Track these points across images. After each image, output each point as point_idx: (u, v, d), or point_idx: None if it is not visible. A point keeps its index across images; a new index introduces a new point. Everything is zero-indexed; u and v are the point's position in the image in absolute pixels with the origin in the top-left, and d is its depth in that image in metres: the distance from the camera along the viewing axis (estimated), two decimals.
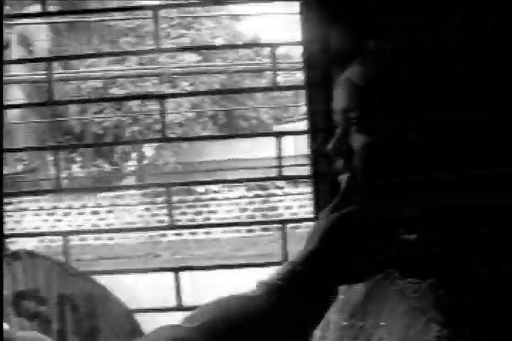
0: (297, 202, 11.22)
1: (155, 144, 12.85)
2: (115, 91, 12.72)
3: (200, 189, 11.41)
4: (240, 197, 11.43)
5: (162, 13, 1.42)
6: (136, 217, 11.49)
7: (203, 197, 11.56)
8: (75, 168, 13.56)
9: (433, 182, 0.80)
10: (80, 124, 13.62)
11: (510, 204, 0.80)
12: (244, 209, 11.46)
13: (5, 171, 1.14)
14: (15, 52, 12.44)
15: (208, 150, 12.63)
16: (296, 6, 1.23)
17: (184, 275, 1.37)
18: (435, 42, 0.84)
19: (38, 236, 9.44)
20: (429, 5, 1.05)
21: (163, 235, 10.89)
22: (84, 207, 11.69)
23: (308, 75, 1.20)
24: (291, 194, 11.28)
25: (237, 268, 1.44)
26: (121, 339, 1.10)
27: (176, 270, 1.36)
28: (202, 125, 13.47)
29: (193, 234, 10.84)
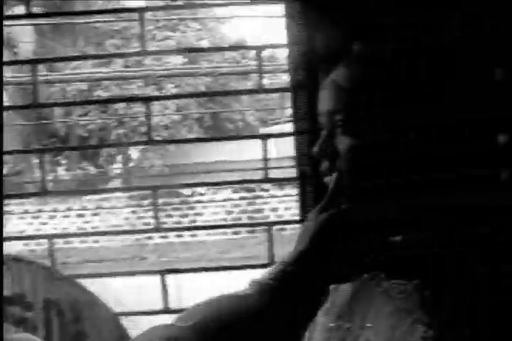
0: (283, 204, 11.22)
1: (141, 147, 12.80)
2: (100, 93, 12.66)
3: (187, 191, 11.39)
4: (225, 200, 11.41)
5: (148, 15, 1.42)
6: (122, 220, 11.44)
7: (189, 199, 11.54)
8: (60, 171, 13.48)
9: (417, 183, 0.80)
10: (65, 127, 13.55)
11: (510, 204, 0.80)
12: (230, 212, 11.45)
13: None
14: None
15: (194, 152, 12.60)
16: (281, 9, 1.23)
17: (170, 278, 1.37)
18: (435, 42, 0.84)
19: (23, 240, 9.36)
20: (429, 5, 1.05)
21: (149, 238, 10.85)
22: (69, 209, 11.63)
23: (293, 77, 1.20)
24: (277, 196, 11.28)
25: (223, 270, 1.44)
26: None
27: (162, 273, 1.36)
28: (188, 127, 13.45)
29: (179, 236, 10.81)
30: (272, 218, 10.65)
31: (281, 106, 11.91)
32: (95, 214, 11.59)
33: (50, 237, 1.38)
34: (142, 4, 1.60)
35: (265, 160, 1.36)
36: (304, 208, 1.19)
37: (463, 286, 0.73)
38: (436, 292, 0.74)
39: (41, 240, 1.48)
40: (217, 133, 13.20)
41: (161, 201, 9.70)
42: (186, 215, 11.41)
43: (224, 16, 12.18)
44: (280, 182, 1.40)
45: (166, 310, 1.33)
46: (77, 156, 13.36)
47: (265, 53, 1.39)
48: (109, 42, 13.51)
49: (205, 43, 13.61)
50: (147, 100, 1.40)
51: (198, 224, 10.74)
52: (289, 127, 1.30)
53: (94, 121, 13.15)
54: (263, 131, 12.70)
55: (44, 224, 11.52)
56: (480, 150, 0.80)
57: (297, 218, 1.26)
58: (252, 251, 9.28)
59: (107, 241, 10.75)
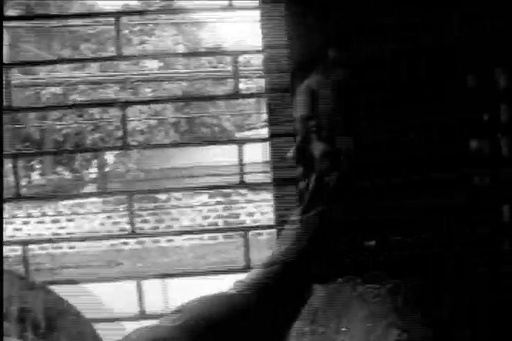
0: (259, 209, 11.22)
1: (116, 151, 12.73)
2: (76, 97, 12.57)
3: (163, 196, 11.33)
4: (201, 205, 11.38)
5: (124, 19, 1.42)
6: (98, 225, 11.35)
7: (165, 204, 11.48)
8: (35, 176, 13.34)
9: (417, 183, 0.80)
10: (40, 131, 13.42)
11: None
12: (206, 217, 11.42)
13: None
14: None
15: (170, 157, 12.56)
16: (257, 14, 1.24)
17: (146, 283, 1.36)
18: (435, 42, 0.84)
19: None
20: (429, 5, 1.05)
21: (125, 243, 10.78)
22: (44, 215, 11.51)
23: (269, 83, 1.21)
24: (253, 201, 11.28)
25: (200, 275, 1.44)
26: None
27: (138, 278, 1.35)
28: (164, 132, 13.40)
29: (155, 241, 10.75)
30: (248, 223, 10.64)
31: (258, 111, 11.92)
32: (70, 220, 11.49)
33: (24, 243, 1.36)
34: (119, 4, 1.60)
35: (241, 164, 1.36)
36: (280, 212, 1.20)
37: (463, 286, 0.74)
38: (436, 292, 0.74)
39: (14, 246, 1.47)
40: (193, 138, 13.17)
41: (136, 206, 9.64)
42: (162, 220, 11.36)
43: (201, 21, 12.17)
44: (256, 186, 1.40)
45: (142, 316, 1.32)
46: (52, 161, 13.24)
47: (241, 58, 1.40)
48: (84, 46, 13.43)
49: (181, 48, 13.59)
50: (123, 105, 1.40)
51: (174, 229, 10.70)
52: (265, 132, 1.31)
53: (70, 125, 13.05)
54: (239, 135, 12.70)
55: (18, 229, 11.39)
56: (480, 151, 0.81)
57: (273, 223, 1.26)
58: (229, 255, 9.26)
59: (82, 246, 10.65)
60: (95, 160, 13.63)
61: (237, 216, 11.38)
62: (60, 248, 10.81)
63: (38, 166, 13.49)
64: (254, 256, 1.27)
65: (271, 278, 0.78)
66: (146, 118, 12.51)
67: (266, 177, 1.30)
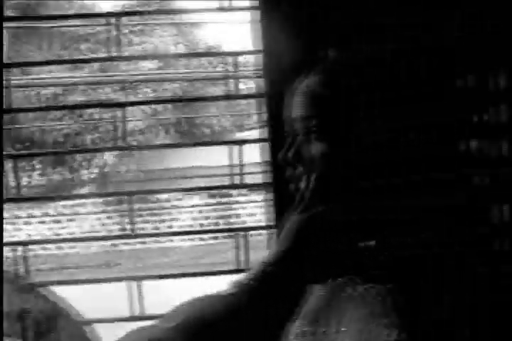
0: (258, 210, 11.23)
1: (116, 152, 12.73)
2: (75, 97, 12.57)
3: (162, 197, 11.33)
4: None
5: (124, 19, 1.42)
6: (97, 226, 11.35)
7: (165, 204, 11.48)
8: (35, 176, 13.34)
9: (417, 183, 0.80)
10: (40, 131, 13.42)
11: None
12: (206, 217, 11.42)
13: None
14: None
15: (169, 157, 12.56)
16: (257, 15, 1.24)
17: (145, 284, 1.36)
18: (435, 42, 0.84)
19: None
20: (429, 5, 1.05)
21: (125, 243, 10.78)
22: (44, 215, 11.51)
23: (268, 83, 1.21)
24: (255, 201, 11.28)
25: (198, 276, 1.44)
26: None
27: (137, 279, 1.35)
28: (163, 132, 13.40)
29: (154, 242, 10.75)
30: (248, 223, 10.64)
31: (258, 111, 11.91)
32: (71, 220, 11.48)
33: (25, 243, 1.36)
34: (119, 5, 1.60)
35: (240, 165, 1.36)
36: (278, 213, 1.20)
37: (463, 286, 0.74)
38: (436, 292, 0.74)
39: (15, 246, 1.47)
40: (193, 138, 13.17)
41: (136, 206, 9.64)
42: (162, 221, 11.36)
43: (201, 21, 12.18)
44: (255, 187, 1.40)
45: (140, 316, 1.32)
46: (52, 161, 13.23)
47: (241, 58, 1.40)
48: (84, 46, 13.42)
49: (181, 48, 13.59)
50: (123, 105, 1.40)
51: (173, 229, 10.70)
52: (264, 132, 1.31)
53: (70, 125, 13.05)
54: (239, 135, 12.70)
55: (19, 230, 11.39)
56: (480, 151, 0.81)
57: (271, 223, 1.26)
58: (227, 256, 9.27)
59: (82, 247, 10.65)
60: (95, 161, 13.63)
61: (237, 216, 11.38)
62: (61, 248, 10.81)
63: (38, 166, 13.49)
64: (252, 257, 1.27)
65: (265, 279, 0.78)
66: (146, 119, 12.50)
67: (265, 178, 1.30)
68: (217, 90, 12.34)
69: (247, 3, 1.31)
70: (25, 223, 11.48)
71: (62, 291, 1.14)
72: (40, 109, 3.30)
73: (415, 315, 0.73)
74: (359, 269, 0.80)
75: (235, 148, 1.34)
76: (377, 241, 0.80)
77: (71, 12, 10.94)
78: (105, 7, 12.87)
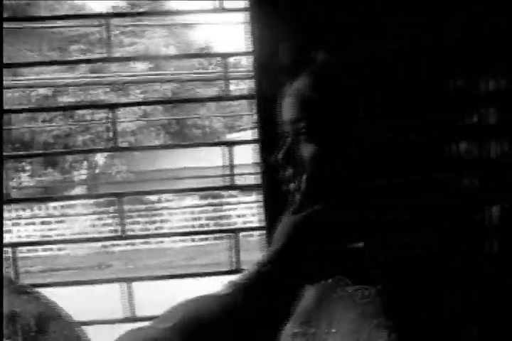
0: (250, 211, 11.22)
1: (107, 153, 12.69)
2: (65, 99, 12.52)
3: (153, 198, 11.31)
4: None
5: (115, 20, 1.42)
6: (88, 227, 11.31)
7: (156, 206, 11.46)
8: (25, 177, 13.28)
9: (417, 183, 0.80)
10: (30, 132, 13.36)
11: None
12: (196, 218, 11.41)
13: None
14: None
15: (161, 158, 12.53)
16: (247, 16, 1.24)
17: (136, 286, 1.36)
18: (435, 42, 0.84)
19: None
20: (432, 5, 1.05)
21: (116, 245, 10.75)
22: (33, 217, 11.45)
23: (258, 85, 1.21)
24: (245, 202, 11.28)
25: (190, 277, 1.44)
26: None
27: (128, 280, 1.35)
28: (154, 133, 13.38)
29: (145, 243, 10.73)
30: (239, 224, 10.64)
31: (249, 113, 11.90)
32: (60, 222, 11.44)
33: (14, 245, 1.36)
34: (109, 5, 1.60)
35: (231, 166, 1.36)
36: (270, 214, 1.20)
37: (470, 285, 0.74)
38: (436, 292, 0.74)
39: (4, 248, 1.46)
40: (184, 139, 13.16)
41: (127, 208, 9.61)
42: (153, 222, 11.34)
43: (192, 22, 12.17)
44: (246, 188, 1.40)
45: (133, 318, 1.32)
46: (42, 162, 13.18)
47: (232, 60, 1.40)
48: (74, 48, 13.38)
49: (171, 49, 13.57)
50: (113, 107, 1.40)
51: (164, 231, 10.68)
52: (255, 134, 1.31)
53: (60, 126, 13.00)
54: (230, 137, 12.71)
55: (8, 231, 11.33)
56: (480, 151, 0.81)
57: (263, 224, 1.26)
58: (219, 257, 9.25)
59: (72, 248, 10.61)
60: (85, 162, 13.59)
61: (228, 217, 11.37)
62: (50, 250, 10.76)
63: (27, 167, 13.43)
64: (245, 258, 1.27)
65: (260, 279, 0.78)
66: (136, 120, 12.48)
67: (256, 179, 1.30)
68: (209, 91, 12.33)
69: (238, 5, 1.31)
70: (15, 224, 11.43)
71: (53, 293, 1.13)
72: (31, 110, 3.29)
73: (415, 315, 0.73)
74: (359, 269, 0.80)
75: (226, 149, 1.34)
76: (377, 241, 0.80)
77: (61, 13, 10.90)
78: (95, 7, 12.84)
